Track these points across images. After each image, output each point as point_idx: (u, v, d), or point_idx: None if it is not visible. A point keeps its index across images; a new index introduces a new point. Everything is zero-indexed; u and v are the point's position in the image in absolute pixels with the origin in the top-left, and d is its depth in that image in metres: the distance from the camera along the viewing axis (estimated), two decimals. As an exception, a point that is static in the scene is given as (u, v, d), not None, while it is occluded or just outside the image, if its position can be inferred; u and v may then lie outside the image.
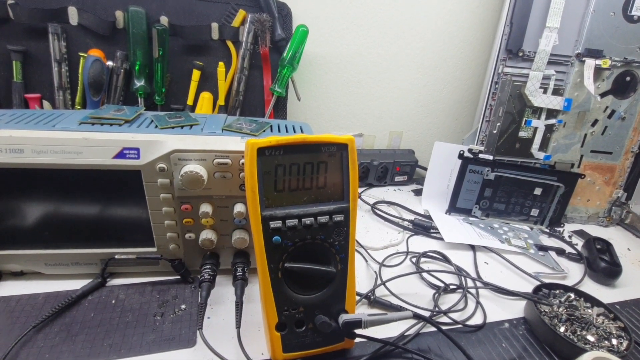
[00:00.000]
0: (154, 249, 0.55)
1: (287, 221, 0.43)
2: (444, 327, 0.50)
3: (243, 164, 0.50)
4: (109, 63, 0.72)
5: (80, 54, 0.71)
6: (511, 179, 0.82)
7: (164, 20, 0.74)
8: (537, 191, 0.83)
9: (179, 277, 0.57)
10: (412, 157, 0.98)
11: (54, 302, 0.51)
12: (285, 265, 0.43)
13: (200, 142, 0.50)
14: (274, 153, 0.42)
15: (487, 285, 0.62)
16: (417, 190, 0.96)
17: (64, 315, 0.50)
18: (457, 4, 0.92)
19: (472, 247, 0.73)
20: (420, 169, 1.01)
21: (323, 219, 0.44)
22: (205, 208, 0.52)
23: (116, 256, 0.54)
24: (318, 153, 0.43)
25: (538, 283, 0.62)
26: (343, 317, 0.45)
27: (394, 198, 0.90)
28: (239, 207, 0.52)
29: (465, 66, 1.00)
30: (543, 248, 0.75)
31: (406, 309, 0.55)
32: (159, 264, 0.56)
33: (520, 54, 0.79)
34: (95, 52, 0.70)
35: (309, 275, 0.44)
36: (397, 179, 0.96)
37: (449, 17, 0.93)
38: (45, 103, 0.72)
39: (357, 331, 0.46)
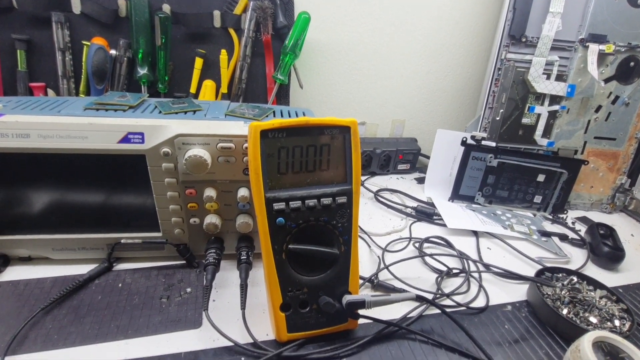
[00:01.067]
0: (159, 234, 0.56)
1: (290, 203, 0.43)
2: (447, 310, 0.51)
3: (246, 148, 0.50)
4: (112, 52, 0.73)
5: (84, 42, 0.71)
6: (514, 166, 0.82)
7: (166, 8, 0.74)
8: (540, 178, 0.82)
9: (184, 261, 0.57)
10: (414, 145, 0.98)
11: (61, 285, 0.52)
12: (289, 246, 0.44)
13: (203, 126, 0.51)
14: (277, 135, 0.42)
15: (489, 268, 0.62)
16: (420, 178, 0.96)
17: (71, 298, 0.50)
18: (460, -10, 0.92)
19: (475, 233, 0.73)
20: (423, 157, 1.01)
21: (326, 201, 0.44)
22: (210, 192, 0.52)
23: (122, 241, 0.54)
24: (321, 136, 0.44)
25: (541, 267, 0.62)
26: (347, 298, 0.45)
27: (397, 186, 0.90)
28: (242, 192, 0.53)
29: (468, 53, 0.99)
30: (546, 234, 0.75)
31: (409, 292, 0.55)
32: (164, 249, 0.57)
33: (524, 40, 0.78)
34: (99, 41, 0.71)
35: (312, 256, 0.45)
36: (400, 167, 0.96)
37: (452, 3, 0.93)
38: (50, 91, 0.72)
39: (361, 312, 0.46)
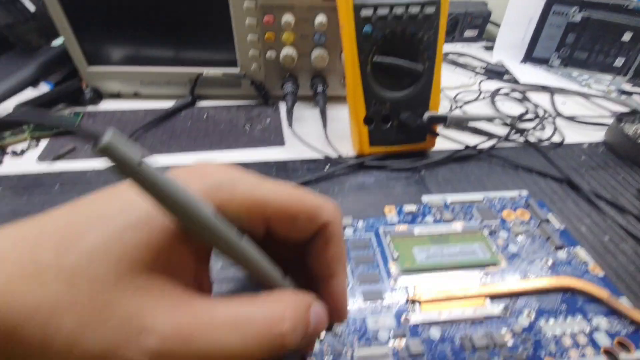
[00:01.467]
0: (237, 69, 0.57)
1: (378, 10, 0.42)
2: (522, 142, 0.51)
3: (326, -33, 0.49)
4: None
5: None
6: (599, 22, 0.74)
7: None
8: (626, 37, 0.75)
9: (260, 99, 0.60)
10: (484, 8, 0.90)
11: (153, 114, 0.56)
12: (375, 59, 0.44)
13: (281, -58, 0.49)
14: None
15: (563, 115, 0.61)
16: (489, 46, 0.90)
17: (165, 123, 0.55)
18: None
19: (549, 90, 0.70)
20: (492, 26, 0.93)
21: (414, 10, 0.43)
22: (288, 18, 0.52)
23: (204, 73, 0.57)
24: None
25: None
26: (428, 113, 0.46)
27: (464, 51, 0.85)
28: (320, 18, 0.52)
29: None
30: (625, 92, 0.71)
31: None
32: (241, 86, 0.59)
33: None
34: None
35: (396, 70, 0.45)
36: (467, 34, 0.90)
37: None
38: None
39: (439, 130, 0.48)
